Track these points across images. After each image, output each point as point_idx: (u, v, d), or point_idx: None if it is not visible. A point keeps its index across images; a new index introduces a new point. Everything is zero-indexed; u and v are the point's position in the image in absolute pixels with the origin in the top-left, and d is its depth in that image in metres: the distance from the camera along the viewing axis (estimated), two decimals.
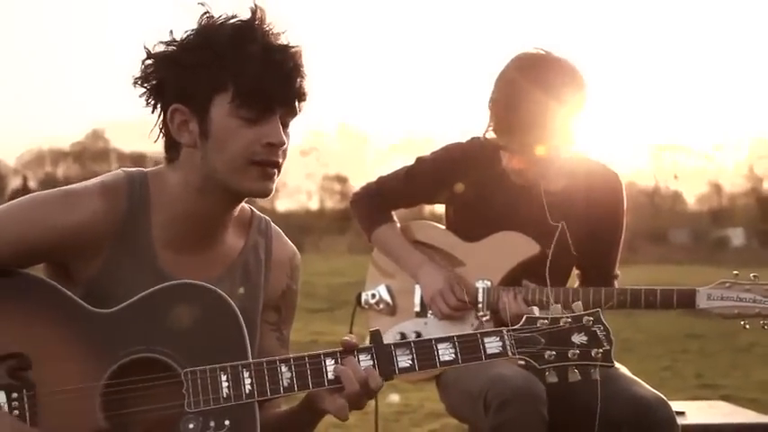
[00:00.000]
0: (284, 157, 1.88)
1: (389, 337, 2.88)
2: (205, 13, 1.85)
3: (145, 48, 1.86)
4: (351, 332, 3.11)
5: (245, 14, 1.84)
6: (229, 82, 1.80)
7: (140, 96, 1.88)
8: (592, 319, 1.85)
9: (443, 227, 3.01)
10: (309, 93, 1.86)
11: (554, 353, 1.83)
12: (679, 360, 8.37)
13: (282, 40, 1.83)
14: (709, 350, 8.95)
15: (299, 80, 1.84)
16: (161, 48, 1.85)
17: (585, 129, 2.79)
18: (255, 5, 1.84)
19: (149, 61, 1.85)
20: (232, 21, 1.84)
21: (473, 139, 2.91)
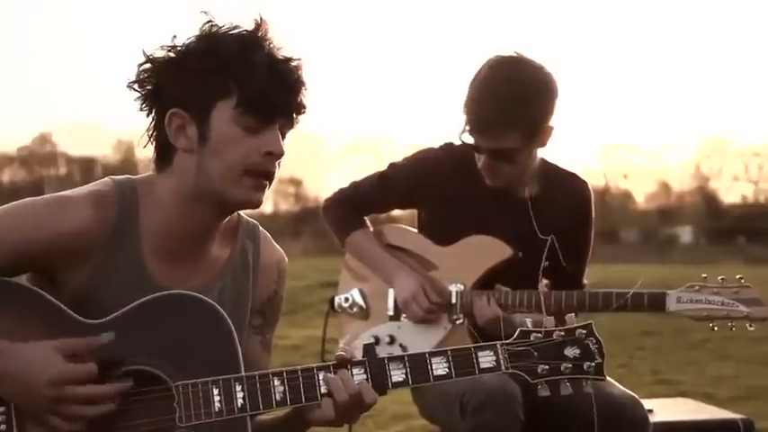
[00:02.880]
0: (278, 168, 1.88)
1: (363, 341, 2.88)
2: (208, 21, 1.86)
3: (143, 53, 1.86)
4: (324, 336, 3.12)
5: (243, 25, 1.86)
6: (234, 89, 1.81)
7: (135, 100, 1.87)
8: (585, 332, 1.84)
9: (416, 230, 3.03)
10: (308, 106, 1.88)
11: (547, 367, 1.82)
12: (635, 357, 8.46)
13: (285, 53, 1.85)
14: (664, 347, 9.07)
15: (301, 92, 1.86)
16: (161, 53, 1.85)
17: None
18: (261, 17, 1.85)
19: (147, 66, 1.85)
20: (236, 30, 1.85)
21: (446, 143, 2.94)
